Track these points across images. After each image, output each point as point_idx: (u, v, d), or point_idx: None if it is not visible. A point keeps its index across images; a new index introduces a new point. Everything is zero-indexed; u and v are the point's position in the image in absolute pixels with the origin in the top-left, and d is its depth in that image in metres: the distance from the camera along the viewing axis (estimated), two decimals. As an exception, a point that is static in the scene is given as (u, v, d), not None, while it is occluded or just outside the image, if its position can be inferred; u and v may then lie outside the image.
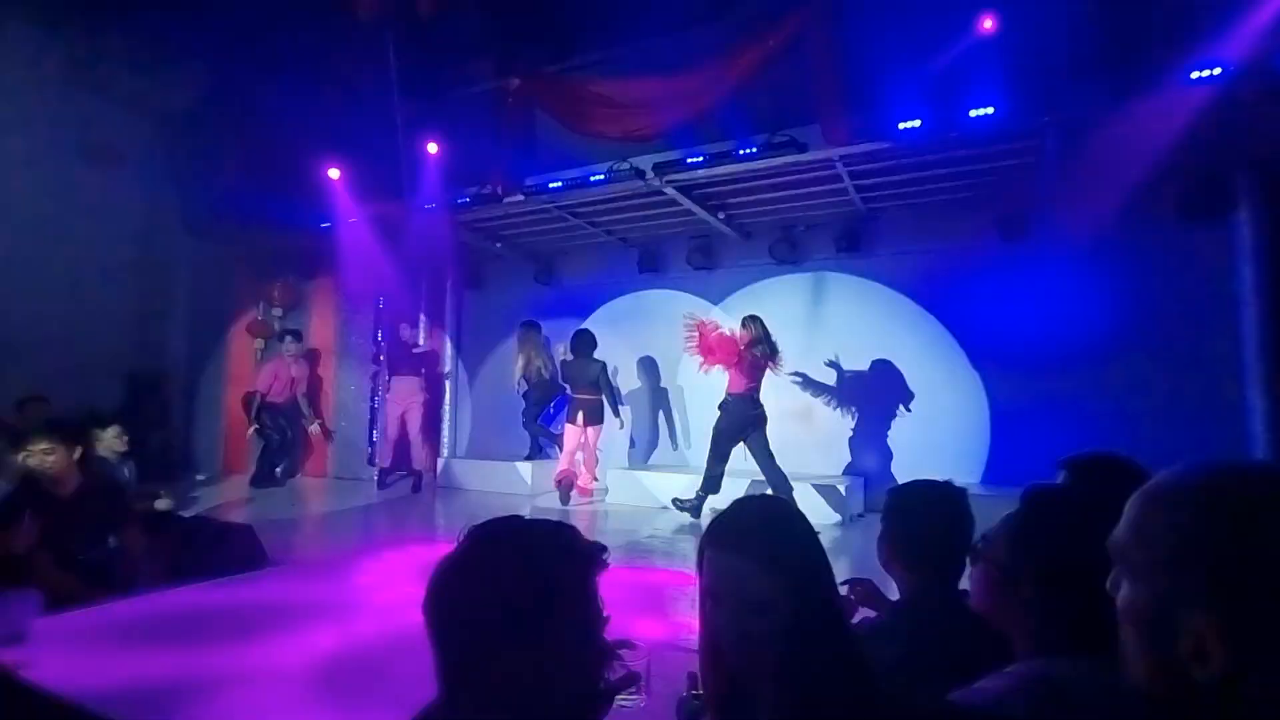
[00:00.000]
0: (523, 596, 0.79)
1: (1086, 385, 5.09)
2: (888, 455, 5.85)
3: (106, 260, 7.82)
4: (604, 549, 0.89)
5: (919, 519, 1.47)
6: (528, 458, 6.98)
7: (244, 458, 7.79)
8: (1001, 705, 0.84)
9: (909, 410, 5.81)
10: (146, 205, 8.17)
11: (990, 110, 4.40)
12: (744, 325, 5.26)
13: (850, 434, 6.05)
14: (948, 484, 1.52)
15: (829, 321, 6.21)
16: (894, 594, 1.74)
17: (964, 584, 1.49)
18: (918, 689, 1.32)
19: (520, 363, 6.79)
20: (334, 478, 7.66)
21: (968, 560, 1.06)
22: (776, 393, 5.73)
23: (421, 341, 7.52)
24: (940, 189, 5.43)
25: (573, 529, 0.91)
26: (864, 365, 6.03)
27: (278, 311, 8.03)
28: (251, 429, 7.01)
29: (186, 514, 4.63)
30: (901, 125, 4.65)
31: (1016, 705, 0.83)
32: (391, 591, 3.49)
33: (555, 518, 0.93)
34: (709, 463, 5.16)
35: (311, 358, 7.68)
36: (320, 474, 7.28)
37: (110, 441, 4.62)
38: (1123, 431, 4.40)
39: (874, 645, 1.37)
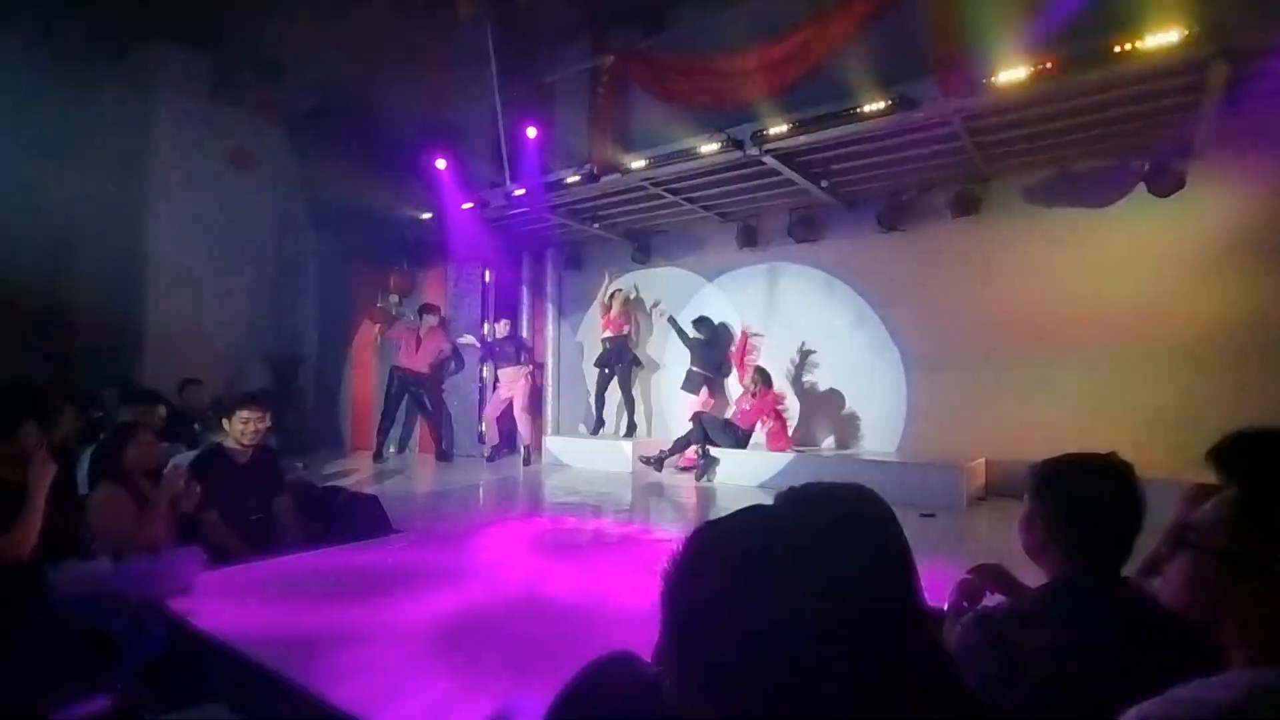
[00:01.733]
0: (789, 619, 0.62)
1: None
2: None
3: (247, 256, 8.63)
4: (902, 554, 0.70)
5: (1088, 496, 1.29)
6: (594, 433, 7.28)
7: (368, 435, 8.40)
8: None
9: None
10: (278, 204, 8.93)
11: (1141, 42, 3.86)
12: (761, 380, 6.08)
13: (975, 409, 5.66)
14: (1113, 457, 1.32)
15: (940, 289, 5.80)
16: (1029, 581, 1.59)
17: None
18: (1069, 675, 1.19)
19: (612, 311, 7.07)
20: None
21: (1169, 551, 0.90)
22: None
23: (524, 331, 7.86)
24: (1076, 140, 4.88)
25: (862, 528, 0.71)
26: (980, 337, 5.59)
27: (394, 299, 8.51)
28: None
29: (319, 485, 5.03)
30: (1032, 69, 4.20)
31: None
32: (502, 560, 3.63)
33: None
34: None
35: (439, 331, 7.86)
36: (432, 450, 7.71)
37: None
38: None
39: (1015, 628, 1.24)
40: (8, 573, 2.40)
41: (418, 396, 7.49)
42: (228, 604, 2.65)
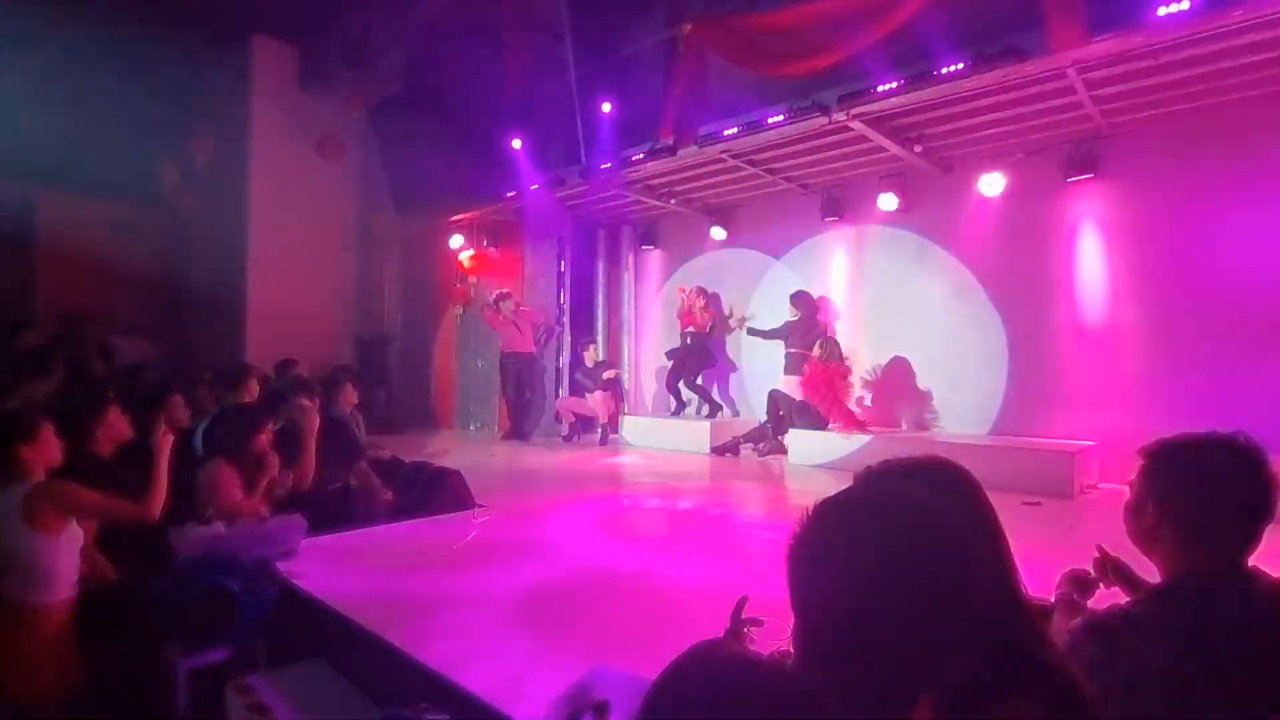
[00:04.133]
0: (900, 586, 0.65)
1: None
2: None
3: (336, 240, 9.02)
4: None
5: (1208, 475, 1.15)
6: (675, 414, 7.20)
7: (451, 413, 8.68)
8: None
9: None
10: (362, 189, 9.26)
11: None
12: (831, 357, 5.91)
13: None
14: (1240, 435, 1.18)
15: (1050, 258, 5.34)
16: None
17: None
18: (1193, 695, 1.03)
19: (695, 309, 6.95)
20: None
21: None
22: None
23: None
24: (1220, 87, 4.32)
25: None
26: (1099, 309, 5.13)
27: (473, 280, 8.72)
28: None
29: (406, 460, 5.21)
30: (1162, 10, 3.75)
31: None
32: (581, 536, 3.65)
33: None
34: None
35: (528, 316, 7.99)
36: (504, 428, 7.89)
37: (347, 396, 5.35)
38: None
39: (1130, 639, 1.10)
40: (140, 534, 2.60)
41: (521, 375, 7.65)
42: (327, 569, 2.77)
